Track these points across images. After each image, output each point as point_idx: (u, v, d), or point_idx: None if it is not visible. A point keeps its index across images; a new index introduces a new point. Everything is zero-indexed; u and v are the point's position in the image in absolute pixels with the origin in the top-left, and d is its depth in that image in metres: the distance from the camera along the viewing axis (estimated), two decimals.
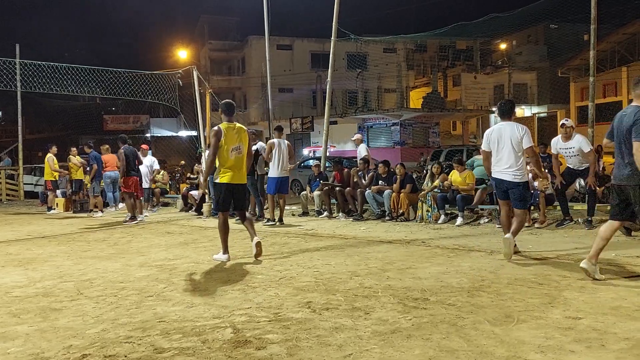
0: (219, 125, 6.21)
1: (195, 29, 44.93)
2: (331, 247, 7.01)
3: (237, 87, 42.08)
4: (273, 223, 9.71)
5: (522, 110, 40.61)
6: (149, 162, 12.27)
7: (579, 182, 8.44)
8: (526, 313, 3.72)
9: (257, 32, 34.18)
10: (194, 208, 13.12)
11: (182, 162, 17.08)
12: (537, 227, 8.35)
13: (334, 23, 12.94)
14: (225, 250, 6.22)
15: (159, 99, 13.68)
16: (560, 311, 3.75)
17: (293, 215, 11.56)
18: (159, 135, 40.10)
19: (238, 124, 6.38)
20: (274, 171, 9.74)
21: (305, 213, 11.49)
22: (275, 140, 9.88)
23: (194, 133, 18.43)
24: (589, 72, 11.14)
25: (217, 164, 6.23)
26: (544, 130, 39.03)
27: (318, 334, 3.40)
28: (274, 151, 9.72)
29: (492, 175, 6.14)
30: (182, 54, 30.40)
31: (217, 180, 6.23)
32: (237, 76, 42.83)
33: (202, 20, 44.06)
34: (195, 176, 13.87)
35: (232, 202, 6.35)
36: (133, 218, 10.81)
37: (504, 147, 5.92)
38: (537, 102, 40.41)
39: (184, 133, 36.37)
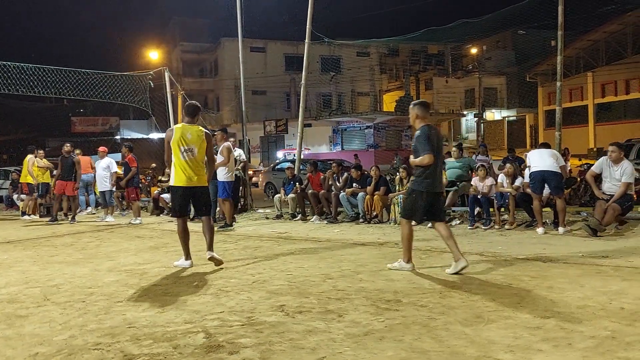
0: (173, 126, 6.08)
1: (166, 30, 44.47)
2: (304, 250, 7.00)
3: (209, 89, 41.78)
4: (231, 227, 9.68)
5: (492, 114, 41.37)
6: (105, 165, 12.04)
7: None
8: (496, 313, 3.78)
9: (230, 34, 33.98)
10: (165, 212, 12.95)
11: (153, 164, 16.82)
12: (507, 229, 8.50)
13: (307, 26, 12.97)
14: (187, 257, 6.02)
15: (129, 101, 13.46)
16: (529, 311, 3.82)
17: (267, 218, 11.52)
18: (129, 137, 39.48)
19: (196, 126, 5.98)
20: (231, 174, 9.60)
21: (279, 216, 11.46)
22: (230, 143, 9.77)
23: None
24: (556, 77, 11.42)
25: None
26: (513, 133, 39.85)
27: (291, 337, 3.39)
28: (231, 155, 9.62)
29: None
30: (153, 55, 29.98)
31: (172, 183, 5.96)
32: (209, 78, 42.52)
33: (174, 22, 43.63)
34: (166, 179, 13.68)
35: (192, 207, 6.18)
36: (54, 219, 11.61)
37: None
38: (506, 105, 41.19)
39: (155, 135, 35.86)
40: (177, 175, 5.88)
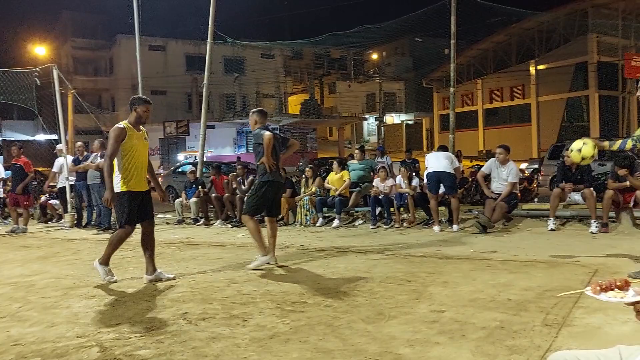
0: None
1: (56, 25, 41.58)
2: (208, 255, 6.84)
3: (104, 88, 39.66)
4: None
5: (391, 118, 43.06)
6: None
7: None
8: (396, 309, 3.92)
9: (127, 31, 32.51)
10: (55, 219, 12.08)
11: (40, 168, 15.55)
12: (406, 227, 8.86)
13: (210, 25, 12.71)
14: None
15: (13, 100, 12.38)
16: (426, 306, 3.99)
17: (168, 223, 11.12)
18: (13, 139, 36.34)
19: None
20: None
21: (180, 221, 11.10)
22: None
23: (54, 137, 16.94)
24: (449, 83, 12.11)
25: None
26: (411, 136, 41.76)
27: (194, 346, 3.29)
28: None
29: None
30: (40, 50, 27.81)
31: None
32: (104, 77, 40.37)
33: (64, 17, 40.92)
34: (54, 184, 12.73)
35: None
36: None
37: None
38: (405, 110, 43.07)
39: (42, 137, 33.33)
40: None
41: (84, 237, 9.29)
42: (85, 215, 10.83)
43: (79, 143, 10.90)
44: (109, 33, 39.08)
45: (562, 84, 28.78)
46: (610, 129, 26.27)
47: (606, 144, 5.03)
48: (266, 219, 6.05)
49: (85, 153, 10.60)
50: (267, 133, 5.67)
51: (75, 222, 10.73)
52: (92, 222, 10.61)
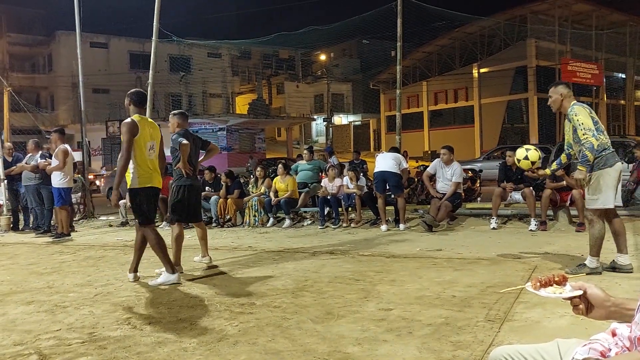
0: (132, 118, 5.07)
1: None
2: (153, 258, 6.64)
3: (43, 86, 38.00)
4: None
5: (339, 119, 43.42)
6: None
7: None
8: (345, 308, 3.95)
9: (67, 27, 31.26)
10: None
11: None
12: (353, 227, 8.95)
13: (154, 23, 12.40)
14: (174, 269, 5.12)
15: None
16: (374, 304, 4.04)
17: (111, 226, 10.77)
18: None
19: (149, 119, 5.43)
20: (68, 180, 8.77)
21: (124, 223, 10.77)
22: (67, 146, 8.92)
23: None
24: (395, 85, 12.33)
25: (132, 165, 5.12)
26: (359, 136, 42.26)
27: (139, 351, 3.20)
28: (68, 159, 8.74)
29: None
30: None
31: (137, 185, 5.09)
32: (42, 74, 38.67)
33: None
34: None
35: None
36: None
37: None
38: (352, 111, 43.53)
39: None
40: (145, 176, 5.10)
41: (21, 241, 8.87)
42: (21, 218, 10.36)
43: (8, 144, 10.43)
44: (47, 29, 37.50)
45: (503, 87, 29.84)
46: (547, 130, 27.47)
47: (547, 171, 5.39)
48: (195, 225, 6.19)
49: (15, 153, 10.19)
50: (184, 142, 5.58)
51: (12, 225, 10.23)
52: (30, 226, 10.16)
